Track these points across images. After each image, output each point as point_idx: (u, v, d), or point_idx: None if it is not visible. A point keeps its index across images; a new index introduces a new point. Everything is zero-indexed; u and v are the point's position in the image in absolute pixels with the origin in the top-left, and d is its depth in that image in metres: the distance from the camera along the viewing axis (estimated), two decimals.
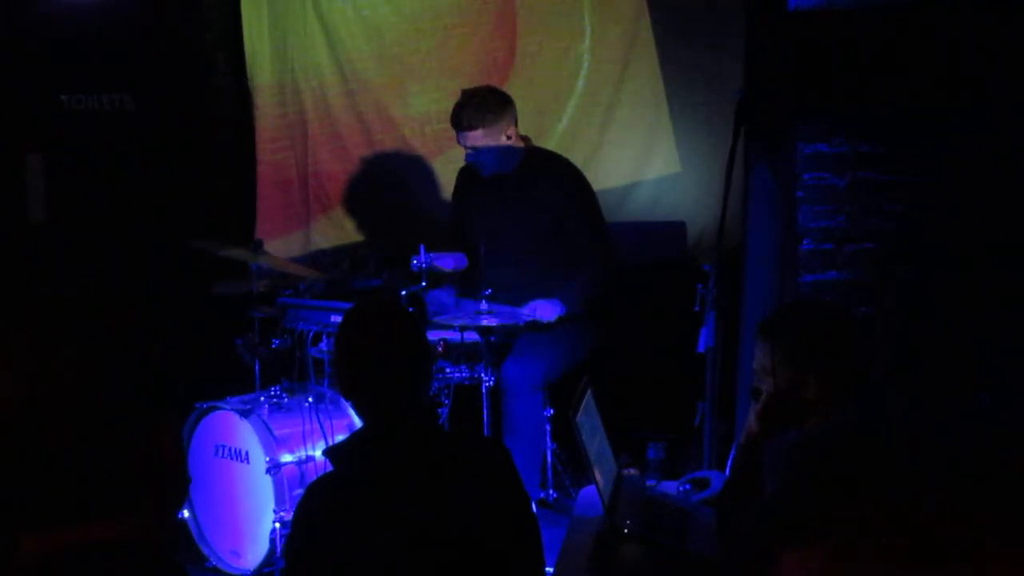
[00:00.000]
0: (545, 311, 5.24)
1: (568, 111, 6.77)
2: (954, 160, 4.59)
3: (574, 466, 5.58)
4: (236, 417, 5.07)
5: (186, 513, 5.22)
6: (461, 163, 5.86)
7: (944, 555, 1.17)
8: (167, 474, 1.66)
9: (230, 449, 5.15)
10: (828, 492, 1.30)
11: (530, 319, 5.19)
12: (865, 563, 1.19)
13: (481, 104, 5.44)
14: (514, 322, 5.14)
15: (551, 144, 6.22)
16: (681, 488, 3.80)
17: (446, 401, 5.28)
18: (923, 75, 4.53)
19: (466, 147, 5.47)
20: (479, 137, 5.41)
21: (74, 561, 1.57)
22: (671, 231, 6.54)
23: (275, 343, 5.34)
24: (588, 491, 3.76)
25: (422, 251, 5.29)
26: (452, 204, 6.03)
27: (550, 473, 5.59)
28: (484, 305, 5.08)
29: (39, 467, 1.55)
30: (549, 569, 3.42)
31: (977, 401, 4.47)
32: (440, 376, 5.17)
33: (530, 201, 5.48)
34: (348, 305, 4.53)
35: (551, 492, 5.60)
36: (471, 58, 6.83)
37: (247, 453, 5.07)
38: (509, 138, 5.46)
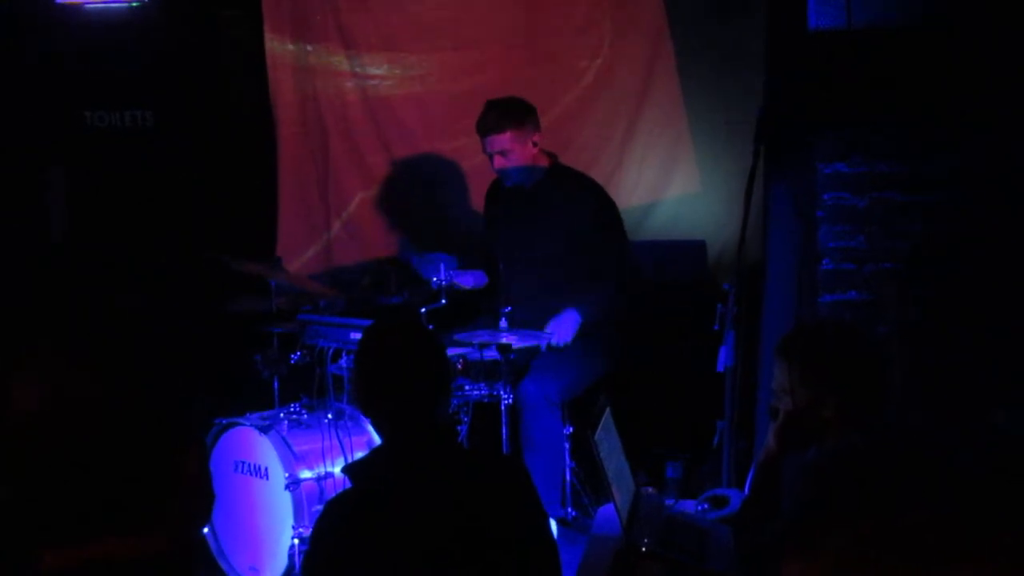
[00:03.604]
0: (561, 334, 5.26)
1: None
2: (973, 179, 4.58)
3: (593, 484, 5.57)
4: (256, 433, 5.08)
5: (205, 529, 5.22)
6: (481, 179, 5.87)
7: (956, 573, 1.17)
8: (191, 491, 1.67)
9: (249, 465, 5.16)
10: (843, 509, 1.30)
11: (547, 343, 5.22)
12: None
13: (508, 108, 5.46)
14: (535, 344, 5.17)
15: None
16: (699, 507, 3.79)
17: (465, 418, 5.28)
18: (942, 94, 4.53)
19: (494, 152, 5.47)
20: (507, 140, 5.42)
21: (96, 575, 1.57)
22: (691, 250, 6.54)
23: (294, 359, 5.35)
24: (606, 509, 3.76)
25: (443, 268, 5.31)
26: (483, 223, 6.05)
27: (569, 491, 5.58)
28: (504, 322, 5.09)
29: (61, 481, 1.55)
30: None
31: (994, 419, 4.46)
32: (459, 393, 5.17)
33: (552, 217, 5.49)
34: (368, 322, 4.54)
35: (570, 510, 5.58)
36: (490, 75, 6.84)
37: (266, 469, 5.08)
38: (535, 144, 5.49)
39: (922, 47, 4.53)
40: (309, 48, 7.05)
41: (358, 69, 7.02)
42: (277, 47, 7.04)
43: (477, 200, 6.31)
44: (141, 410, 1.59)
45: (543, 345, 5.24)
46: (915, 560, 1.17)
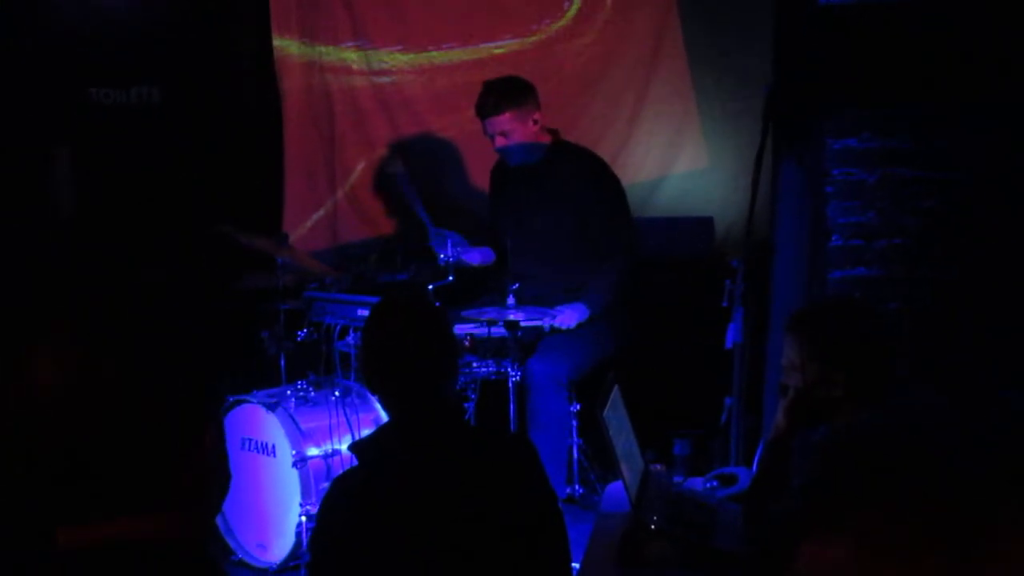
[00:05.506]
0: (567, 318, 5.25)
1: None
2: (984, 155, 4.55)
3: (600, 462, 5.57)
4: (263, 410, 5.08)
5: None
6: (488, 157, 5.86)
7: (969, 549, 1.16)
8: (206, 472, 1.66)
9: (256, 442, 5.15)
10: (854, 487, 1.29)
11: (551, 325, 5.21)
12: (888, 558, 1.19)
13: (506, 89, 5.46)
14: (539, 323, 5.15)
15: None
16: (708, 484, 3.79)
17: (472, 396, 5.28)
18: (954, 70, 4.49)
19: (495, 134, 5.46)
20: (507, 121, 5.41)
21: (109, 556, 1.56)
22: (699, 226, 6.52)
23: (301, 336, 5.34)
24: (615, 487, 3.75)
25: (449, 245, 5.30)
26: (489, 201, 6.03)
27: (576, 469, 5.58)
28: (511, 300, 5.08)
29: (77, 459, 1.54)
30: (575, 564, 3.41)
31: (1004, 398, 4.44)
32: (466, 371, 5.17)
33: (556, 194, 5.48)
34: (374, 299, 4.53)
35: (577, 488, 5.59)
36: (497, 53, 6.83)
37: (273, 446, 5.08)
38: (536, 122, 5.48)
39: (934, 21, 4.50)
40: (317, 42, 7.03)
41: (373, 62, 7.00)
42: (285, 41, 7.02)
43: (483, 174, 6.29)
44: (157, 389, 1.58)
45: (546, 325, 5.23)
46: (950, 540, 1.16)
